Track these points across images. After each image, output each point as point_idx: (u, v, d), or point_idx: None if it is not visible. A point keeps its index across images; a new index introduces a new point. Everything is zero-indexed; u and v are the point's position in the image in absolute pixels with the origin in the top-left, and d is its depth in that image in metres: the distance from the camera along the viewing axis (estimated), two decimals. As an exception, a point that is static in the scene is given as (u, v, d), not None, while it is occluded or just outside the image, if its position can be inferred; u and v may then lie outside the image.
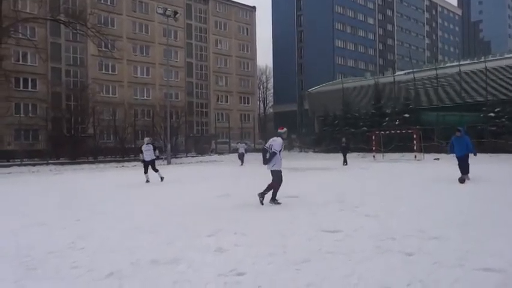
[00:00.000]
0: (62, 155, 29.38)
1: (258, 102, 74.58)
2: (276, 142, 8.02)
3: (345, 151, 21.56)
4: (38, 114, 36.06)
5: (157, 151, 14.33)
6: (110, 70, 45.64)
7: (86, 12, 34.87)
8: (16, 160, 26.75)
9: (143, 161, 14.07)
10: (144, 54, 48.66)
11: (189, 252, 4.66)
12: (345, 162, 20.99)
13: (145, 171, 14.01)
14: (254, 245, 4.92)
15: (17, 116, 34.77)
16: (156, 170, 14.02)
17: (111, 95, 44.82)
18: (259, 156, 36.06)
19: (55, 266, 4.26)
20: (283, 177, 8.13)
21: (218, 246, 4.85)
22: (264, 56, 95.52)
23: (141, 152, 14.13)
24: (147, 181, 13.82)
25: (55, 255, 4.68)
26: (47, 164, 26.16)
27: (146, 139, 14.61)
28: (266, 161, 8.05)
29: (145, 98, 47.55)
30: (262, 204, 7.94)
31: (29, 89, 39.33)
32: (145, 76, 48.62)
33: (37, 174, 20.75)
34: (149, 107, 42.76)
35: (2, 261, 4.49)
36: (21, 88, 38.42)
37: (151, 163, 14.02)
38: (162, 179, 13.90)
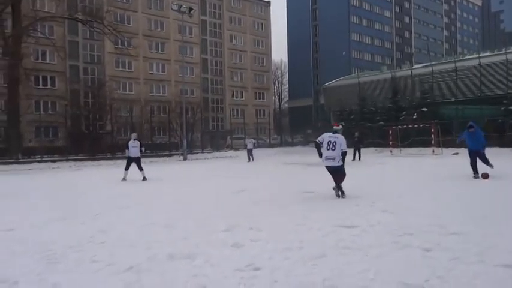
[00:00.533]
0: (81, 151, 29.92)
1: (273, 98, 74.45)
2: (343, 141, 8.07)
3: (357, 146, 21.17)
4: (57, 111, 36.78)
5: (143, 148, 13.91)
6: (127, 67, 46.15)
7: (103, 10, 35.33)
8: (36, 156, 27.34)
9: (128, 157, 13.68)
10: (160, 51, 49.03)
11: (206, 247, 4.70)
12: (359, 157, 20.60)
13: (127, 168, 13.54)
14: (270, 240, 4.93)
15: (37, 113, 35.53)
16: (141, 169, 13.55)
17: (127, 92, 45.33)
18: (271, 151, 35.81)
19: (76, 260, 4.36)
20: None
21: (234, 241, 4.88)
22: (279, 51, 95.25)
23: (127, 148, 13.70)
24: (124, 179, 13.31)
25: (75, 250, 4.78)
26: (67, 160, 26.69)
27: (133, 135, 14.18)
28: (321, 155, 8.22)
29: (161, 94, 47.92)
30: (342, 195, 8.10)
31: (48, 86, 40.12)
32: (161, 73, 49.01)
33: (57, 170, 21.19)
34: (165, 103, 43.03)
35: (25, 255, 4.61)
36: (41, 86, 39.21)
37: (137, 160, 13.61)
38: (144, 178, 13.36)
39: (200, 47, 53.25)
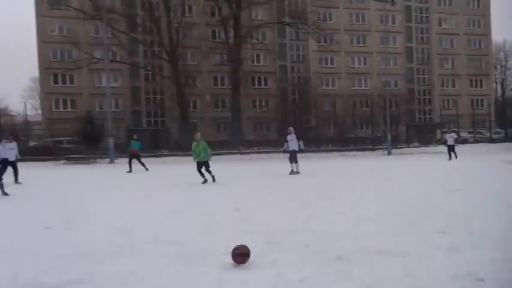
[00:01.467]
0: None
1: (495, 85, 63.81)
2: None
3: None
4: (269, 108, 41.14)
5: (301, 142, 13.98)
6: (329, 63, 47.58)
7: (307, 11, 37.37)
8: (254, 148, 31.35)
9: (286, 151, 13.87)
10: (361, 44, 48.57)
11: (417, 247, 4.42)
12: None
13: (296, 160, 13.72)
14: (494, 248, 4.27)
15: (254, 110, 40.61)
16: (296, 162, 13.61)
17: (330, 87, 46.73)
18: (491, 147, 31.00)
19: (290, 244, 4.76)
20: None
21: (451, 245, 4.41)
22: (502, 30, 79.77)
23: (287, 141, 13.89)
24: (292, 171, 13.55)
25: (291, 234, 5.22)
26: (278, 152, 29.43)
27: (290, 129, 14.29)
28: None
29: (362, 87, 47.54)
30: None
31: (262, 86, 45.11)
32: (362, 66, 48.59)
33: (269, 160, 23.72)
34: (367, 96, 42.60)
35: (251, 234, 5.24)
36: (256, 86, 44.42)
37: (293, 154, 13.65)
38: (295, 172, 13.45)
39: (404, 35, 50.21)
